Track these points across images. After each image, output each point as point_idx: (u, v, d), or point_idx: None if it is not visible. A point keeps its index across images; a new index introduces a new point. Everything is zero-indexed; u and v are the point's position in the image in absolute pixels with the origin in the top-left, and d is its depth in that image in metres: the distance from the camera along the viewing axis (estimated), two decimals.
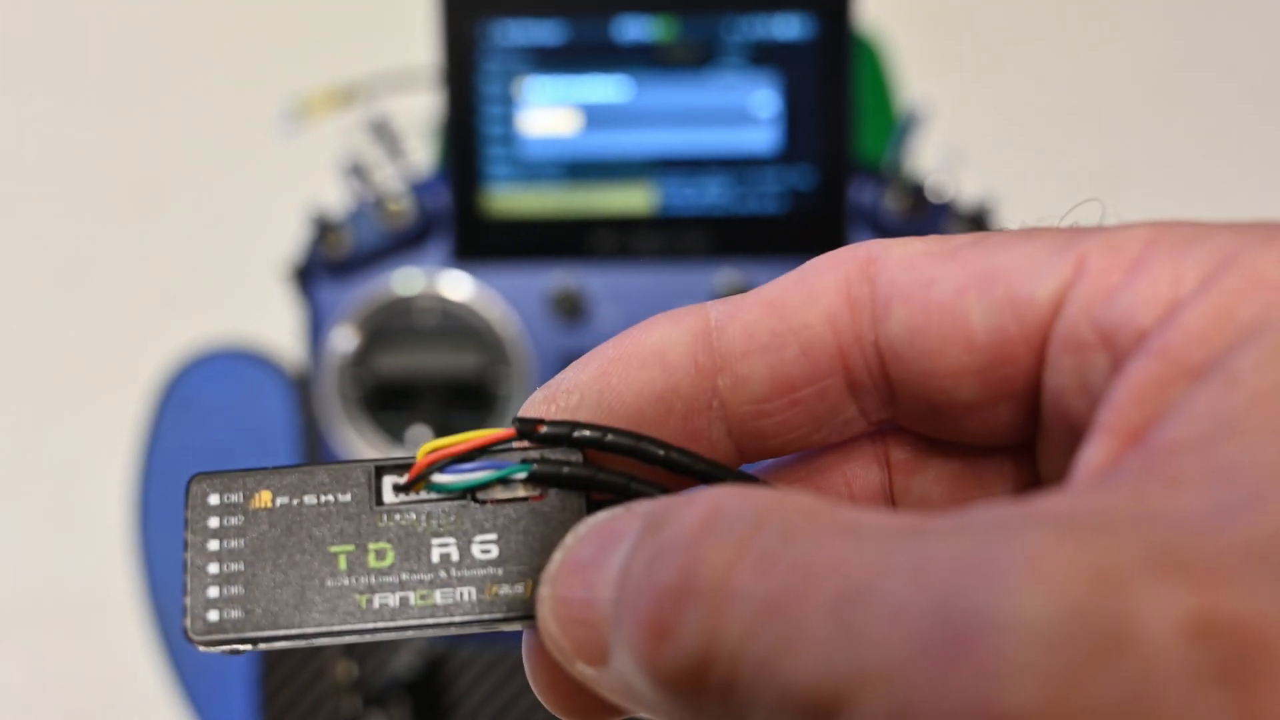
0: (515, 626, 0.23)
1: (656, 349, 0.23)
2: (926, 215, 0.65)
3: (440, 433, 0.65)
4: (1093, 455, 0.19)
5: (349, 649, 0.65)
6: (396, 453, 0.65)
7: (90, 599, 1.05)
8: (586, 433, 0.23)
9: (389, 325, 0.65)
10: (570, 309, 0.65)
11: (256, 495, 0.23)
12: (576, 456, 0.23)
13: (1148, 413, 0.18)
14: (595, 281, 0.65)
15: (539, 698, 0.23)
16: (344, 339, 0.65)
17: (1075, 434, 0.20)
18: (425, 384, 0.64)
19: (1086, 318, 0.20)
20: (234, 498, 0.23)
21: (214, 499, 0.23)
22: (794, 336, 0.22)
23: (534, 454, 0.23)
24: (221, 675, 0.66)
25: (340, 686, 0.64)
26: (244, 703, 0.65)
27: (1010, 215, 0.79)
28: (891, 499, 0.25)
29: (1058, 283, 0.20)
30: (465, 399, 0.65)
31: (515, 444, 0.23)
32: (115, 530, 0.98)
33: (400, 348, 0.64)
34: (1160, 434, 0.18)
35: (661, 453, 0.23)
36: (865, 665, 0.16)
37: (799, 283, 0.23)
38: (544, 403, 0.23)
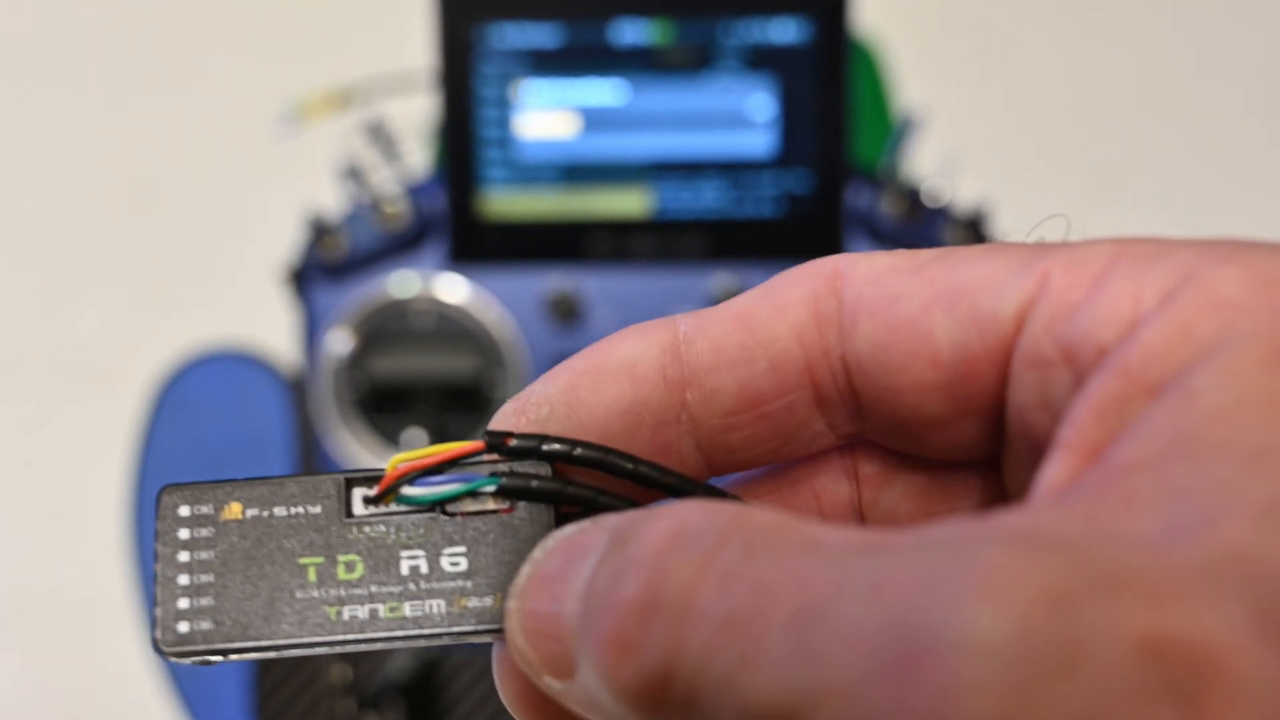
0: (484, 639, 0.23)
1: (625, 362, 0.23)
2: (923, 220, 0.66)
3: (435, 435, 0.65)
4: (1052, 473, 0.19)
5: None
6: (390, 455, 0.65)
7: (85, 601, 1.05)
8: (555, 446, 0.23)
9: (385, 328, 0.65)
10: (566, 312, 0.65)
11: (227, 507, 0.23)
12: (545, 470, 0.23)
13: (1107, 430, 0.19)
14: (591, 285, 0.65)
15: (508, 708, 0.23)
16: (339, 341, 0.65)
17: (1038, 450, 0.20)
18: (421, 387, 0.64)
19: (1048, 334, 0.20)
20: (204, 509, 0.23)
21: (184, 510, 0.23)
22: (762, 350, 0.23)
23: (503, 467, 0.23)
24: (216, 678, 0.66)
25: (335, 689, 0.64)
26: (238, 705, 0.65)
27: (1006, 220, 0.79)
28: (860, 513, 0.25)
29: (1020, 299, 0.20)
30: (461, 402, 0.65)
31: (484, 457, 0.23)
32: (110, 532, 0.98)
33: (396, 350, 0.64)
34: (1118, 452, 0.18)
35: (630, 466, 0.23)
36: (822, 683, 0.16)
37: (767, 296, 0.23)
38: (514, 415, 0.24)
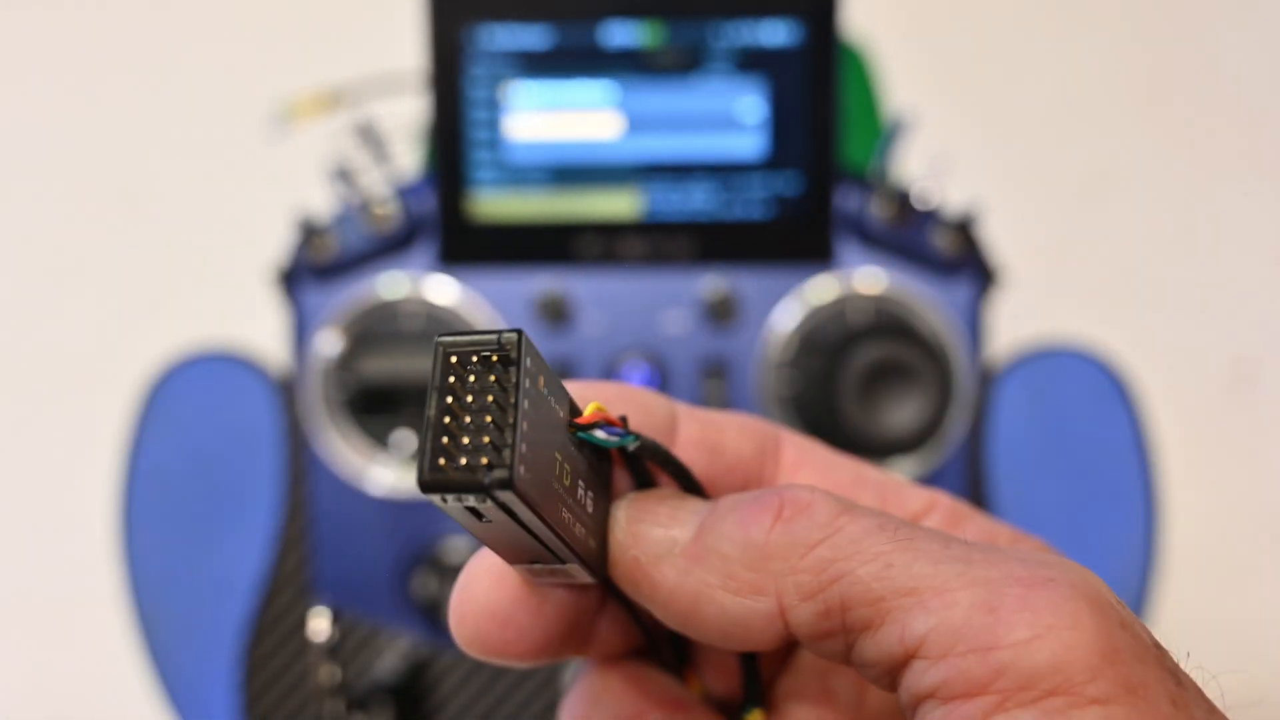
0: (585, 579, 0.27)
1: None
2: (912, 222, 0.66)
3: None
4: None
5: (331, 653, 0.65)
6: (380, 457, 0.65)
7: (73, 602, 1.04)
8: (647, 437, 0.28)
9: (374, 329, 0.65)
10: (555, 314, 0.65)
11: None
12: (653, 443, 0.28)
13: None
14: (580, 286, 0.65)
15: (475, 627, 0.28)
16: (329, 343, 0.65)
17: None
18: (410, 388, 0.64)
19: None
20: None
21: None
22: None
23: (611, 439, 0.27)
24: (204, 679, 0.65)
25: (323, 690, 0.64)
26: (226, 706, 0.65)
27: (996, 222, 0.79)
28: None
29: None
30: None
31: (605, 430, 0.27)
32: (99, 534, 0.97)
33: (385, 352, 0.64)
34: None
35: (687, 471, 0.29)
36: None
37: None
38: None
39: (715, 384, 0.64)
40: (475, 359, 0.24)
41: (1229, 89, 1.19)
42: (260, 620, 0.66)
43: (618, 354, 0.65)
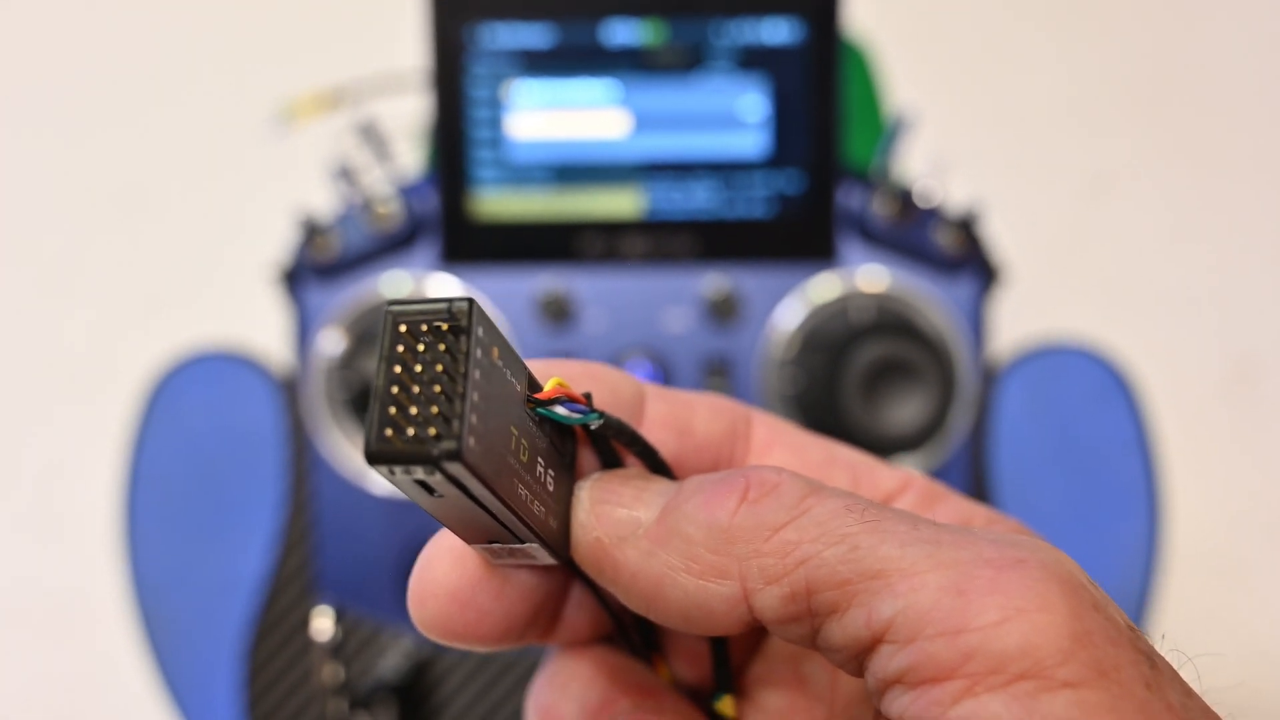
0: (547, 560, 0.26)
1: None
2: (914, 220, 0.66)
3: None
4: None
5: (334, 652, 0.65)
6: None
7: (76, 601, 1.04)
8: (613, 417, 0.27)
9: (376, 328, 0.65)
10: (557, 312, 0.65)
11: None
12: (618, 422, 0.27)
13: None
14: (582, 285, 0.65)
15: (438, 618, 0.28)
16: (331, 342, 0.65)
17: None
18: None
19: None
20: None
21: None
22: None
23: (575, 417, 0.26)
24: (207, 678, 0.66)
25: (326, 689, 0.64)
26: (230, 705, 0.65)
27: (998, 220, 0.79)
28: None
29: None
30: None
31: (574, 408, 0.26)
32: (102, 534, 0.97)
33: None
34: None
35: (652, 449, 0.28)
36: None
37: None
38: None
39: (718, 382, 0.64)
40: (426, 328, 0.23)
41: (1230, 88, 1.19)
42: (263, 620, 0.66)
43: (620, 352, 0.65)
